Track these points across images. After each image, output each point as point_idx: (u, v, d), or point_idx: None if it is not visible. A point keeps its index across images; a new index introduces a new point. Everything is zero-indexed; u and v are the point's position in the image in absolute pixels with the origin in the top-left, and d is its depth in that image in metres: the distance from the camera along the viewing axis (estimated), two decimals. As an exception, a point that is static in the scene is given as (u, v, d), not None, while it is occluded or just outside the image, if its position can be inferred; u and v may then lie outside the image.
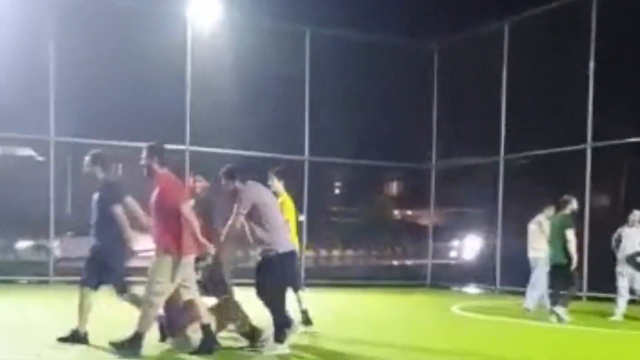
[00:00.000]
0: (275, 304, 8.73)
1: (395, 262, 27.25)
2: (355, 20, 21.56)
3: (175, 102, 20.26)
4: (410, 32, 22.38)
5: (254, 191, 8.85)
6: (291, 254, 8.98)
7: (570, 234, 13.11)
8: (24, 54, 18.14)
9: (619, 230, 14.25)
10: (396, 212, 26.75)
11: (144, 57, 19.19)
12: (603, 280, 17.11)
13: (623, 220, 14.50)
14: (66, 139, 19.84)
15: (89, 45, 18.81)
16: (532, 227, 15.15)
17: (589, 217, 19.20)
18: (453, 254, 26.12)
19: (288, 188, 11.12)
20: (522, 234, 21.85)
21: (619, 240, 14.09)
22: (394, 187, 26.19)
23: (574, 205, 13.71)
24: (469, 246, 25.02)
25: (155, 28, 19.49)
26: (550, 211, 14.68)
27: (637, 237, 13.96)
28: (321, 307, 14.46)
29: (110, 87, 19.12)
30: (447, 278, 23.49)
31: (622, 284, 13.93)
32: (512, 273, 21.04)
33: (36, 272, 19.95)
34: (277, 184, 10.77)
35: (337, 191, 26.62)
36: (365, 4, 21.97)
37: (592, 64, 18.92)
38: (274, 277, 8.71)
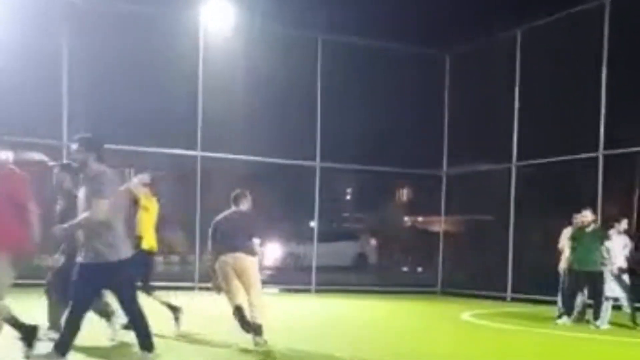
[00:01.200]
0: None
1: (405, 269, 27.21)
2: (367, 27, 21.59)
3: (188, 107, 20.33)
4: (423, 39, 22.39)
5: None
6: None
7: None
8: (37, 57, 18.16)
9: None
10: (406, 218, 26.72)
11: (157, 62, 19.30)
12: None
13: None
14: (78, 144, 19.84)
15: (102, 50, 18.89)
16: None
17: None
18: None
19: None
20: (535, 242, 22.01)
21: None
22: (405, 194, 26.16)
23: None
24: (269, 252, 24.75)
25: (168, 33, 19.57)
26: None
27: (620, 245, 14.17)
28: (321, 313, 14.60)
29: (123, 92, 19.15)
30: (458, 285, 23.42)
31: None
32: (525, 281, 21.11)
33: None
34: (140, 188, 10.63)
35: (348, 197, 26.61)
36: (377, 12, 22.01)
37: (604, 71, 18.88)
38: None
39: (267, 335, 9.60)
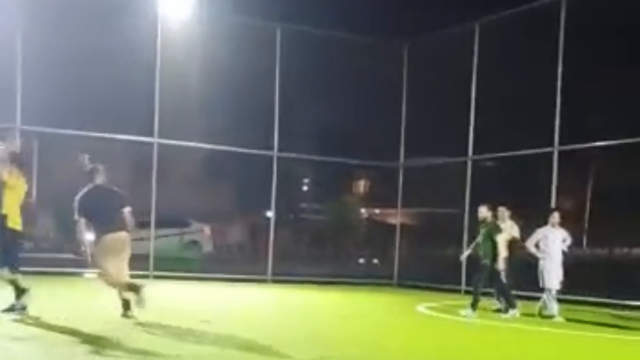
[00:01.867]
0: None
1: (362, 261, 27.26)
2: (326, 17, 21.61)
3: (145, 95, 20.18)
4: (381, 30, 22.48)
5: None
6: None
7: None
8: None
9: (540, 230, 14.59)
10: (363, 210, 26.77)
11: (115, 49, 19.13)
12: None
13: (590, 222, 14.80)
14: (32, 128, 19.60)
15: (57, 36, 18.64)
16: None
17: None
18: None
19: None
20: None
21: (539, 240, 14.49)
22: (362, 185, 26.21)
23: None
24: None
25: (126, 20, 19.44)
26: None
27: (559, 237, 14.44)
28: (279, 303, 14.59)
29: (81, 79, 19.09)
30: (414, 277, 23.51)
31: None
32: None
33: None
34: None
35: (305, 188, 26.59)
36: (336, 2, 22.00)
37: (560, 67, 19.06)
38: None
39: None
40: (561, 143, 19.18)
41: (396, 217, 24.72)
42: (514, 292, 14.72)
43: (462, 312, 13.97)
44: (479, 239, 14.22)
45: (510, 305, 14.16)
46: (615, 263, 20.51)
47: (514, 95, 19.86)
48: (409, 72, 23.53)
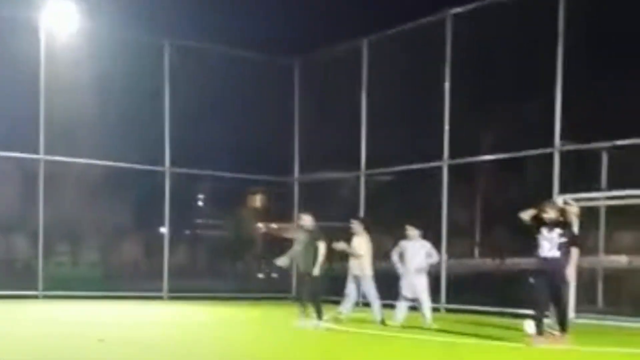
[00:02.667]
0: None
1: (261, 275, 27.13)
2: (218, 34, 21.55)
3: (30, 110, 19.68)
4: (272, 47, 22.49)
5: None
6: None
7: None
8: None
9: (402, 243, 15.10)
10: (261, 225, 26.71)
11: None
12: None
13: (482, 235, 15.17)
14: None
15: None
16: None
17: (447, 233, 19.72)
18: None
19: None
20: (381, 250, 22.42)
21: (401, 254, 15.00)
22: (258, 200, 26.14)
23: None
24: None
25: (8, 33, 19.00)
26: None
27: (422, 249, 15.02)
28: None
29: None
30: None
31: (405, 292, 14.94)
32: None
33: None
34: None
35: (200, 203, 26.37)
36: (227, 19, 22.01)
37: (447, 84, 19.45)
38: None
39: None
40: (451, 157, 19.59)
41: (293, 232, 24.69)
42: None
43: (305, 322, 13.93)
44: (299, 246, 14.38)
45: (318, 314, 14.03)
46: (504, 273, 20.94)
47: (404, 110, 20.19)
48: (301, 88, 23.69)
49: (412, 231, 15.06)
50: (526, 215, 11.60)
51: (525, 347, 11.24)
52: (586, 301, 17.54)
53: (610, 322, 16.32)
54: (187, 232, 26.11)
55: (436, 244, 19.74)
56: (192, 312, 18.08)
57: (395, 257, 15.07)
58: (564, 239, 11.29)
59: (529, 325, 13.28)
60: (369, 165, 21.77)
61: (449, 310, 19.31)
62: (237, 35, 21.67)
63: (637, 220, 16.95)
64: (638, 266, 17.86)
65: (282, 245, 25.84)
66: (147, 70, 21.05)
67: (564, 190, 17.24)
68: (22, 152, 20.10)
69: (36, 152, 19.99)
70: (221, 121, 21.83)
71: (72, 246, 23.19)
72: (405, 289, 14.90)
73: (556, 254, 11.31)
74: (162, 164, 21.76)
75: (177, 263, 24.12)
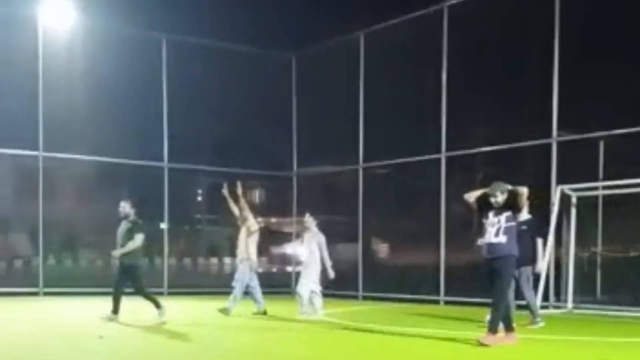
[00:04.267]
0: None
1: (260, 270, 27.11)
2: (215, 29, 21.53)
3: (28, 107, 19.73)
4: (269, 41, 22.53)
5: None
6: None
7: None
8: None
9: (306, 237, 14.94)
10: (260, 219, 26.71)
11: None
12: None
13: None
14: None
15: None
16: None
17: (445, 224, 19.78)
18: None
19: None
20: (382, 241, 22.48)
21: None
22: (257, 195, 26.12)
23: None
24: None
25: (5, 30, 19.03)
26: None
27: (315, 240, 14.83)
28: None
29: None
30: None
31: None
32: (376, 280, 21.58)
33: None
34: None
35: (199, 199, 26.38)
36: (223, 14, 21.98)
37: (444, 75, 19.50)
38: None
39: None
40: (448, 149, 19.64)
41: (292, 226, 24.81)
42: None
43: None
44: (123, 235, 13.50)
45: (157, 306, 13.34)
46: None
47: (401, 102, 20.22)
48: (298, 82, 23.78)
49: (311, 221, 14.90)
50: (471, 197, 10.74)
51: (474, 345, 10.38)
52: (585, 291, 17.62)
53: (609, 312, 16.43)
54: (187, 227, 26.12)
55: (435, 236, 19.99)
56: (193, 307, 18.08)
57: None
58: (511, 223, 10.38)
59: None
60: (366, 158, 21.82)
61: (447, 303, 19.37)
62: (235, 30, 21.67)
63: (635, 209, 16.99)
64: (636, 256, 17.90)
65: (281, 239, 26.08)
66: (144, 66, 21.10)
67: (562, 180, 17.34)
68: (20, 148, 20.11)
69: (35, 148, 20.04)
70: (219, 116, 21.88)
71: (72, 242, 23.16)
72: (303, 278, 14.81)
73: (502, 239, 10.34)
74: (161, 159, 21.83)
75: (176, 258, 24.17)
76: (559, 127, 17.54)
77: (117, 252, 13.19)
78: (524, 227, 13.10)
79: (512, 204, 10.45)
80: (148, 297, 13.41)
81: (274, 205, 25.74)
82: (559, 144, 17.56)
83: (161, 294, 21.22)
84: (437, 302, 19.69)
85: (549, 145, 17.66)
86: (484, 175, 21.06)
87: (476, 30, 18.46)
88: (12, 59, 19.18)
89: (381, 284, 21.34)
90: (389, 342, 11.33)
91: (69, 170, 21.33)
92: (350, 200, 22.19)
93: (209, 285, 22.69)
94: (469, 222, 21.63)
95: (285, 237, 25.32)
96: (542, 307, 16.54)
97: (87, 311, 15.38)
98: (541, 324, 13.35)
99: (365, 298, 21.58)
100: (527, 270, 13.32)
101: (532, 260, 13.45)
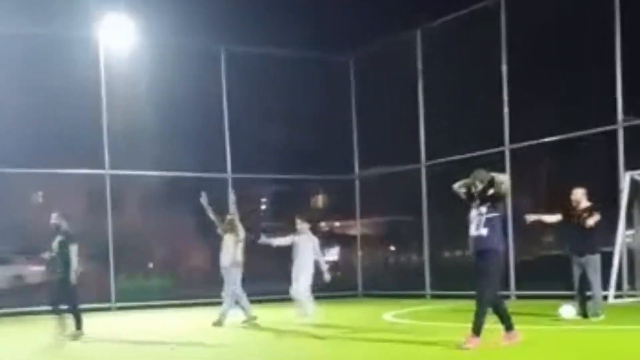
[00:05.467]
0: None
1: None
2: (271, 36, 21.59)
3: (93, 126, 20.09)
4: (326, 46, 22.52)
5: None
6: None
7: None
8: None
9: (290, 238, 14.42)
10: (323, 224, 26.78)
11: (59, 83, 19.12)
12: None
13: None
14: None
15: (1, 77, 18.59)
16: None
17: (512, 218, 19.58)
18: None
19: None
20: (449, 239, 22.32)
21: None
22: (320, 200, 26.22)
23: None
24: None
25: (68, 53, 19.44)
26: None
27: (309, 244, 14.24)
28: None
29: (27, 116, 18.97)
30: (378, 286, 23.57)
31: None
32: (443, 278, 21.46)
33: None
34: None
35: (263, 207, 26.53)
36: (279, 21, 22.04)
37: (504, 67, 19.33)
38: None
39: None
40: (511, 141, 19.45)
41: (356, 228, 24.82)
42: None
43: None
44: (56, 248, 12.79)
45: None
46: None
47: (461, 97, 20.08)
48: (357, 84, 23.81)
49: (301, 225, 14.38)
50: (458, 186, 9.99)
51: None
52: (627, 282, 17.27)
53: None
54: (252, 236, 26.23)
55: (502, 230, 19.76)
56: (268, 314, 18.10)
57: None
58: (493, 214, 9.57)
59: (566, 309, 13.11)
60: (428, 157, 21.72)
61: (519, 297, 19.17)
62: (290, 37, 21.67)
63: None
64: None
65: (345, 242, 26.09)
66: (204, 77, 21.34)
67: (630, 167, 17.05)
68: (88, 168, 20.46)
69: (101, 167, 20.40)
70: (279, 123, 21.98)
71: (141, 257, 23.48)
72: (296, 284, 14.18)
73: (482, 232, 9.56)
74: (224, 170, 22.01)
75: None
76: (625, 112, 17.27)
77: (73, 275, 12.52)
78: (585, 214, 12.96)
79: (493, 194, 9.64)
80: (73, 313, 12.71)
81: (337, 209, 25.77)
82: (625, 129, 17.27)
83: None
84: (507, 297, 19.47)
85: (615, 132, 17.38)
86: (549, 166, 20.90)
87: (534, 19, 18.28)
88: (76, 80, 19.49)
89: (448, 282, 21.18)
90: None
91: (134, 187, 21.63)
92: (413, 200, 22.08)
93: (275, 293, 22.72)
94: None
95: (350, 240, 25.31)
96: (616, 297, 16.33)
97: (159, 324, 15.60)
98: (602, 317, 12.89)
99: (433, 297, 21.45)
100: (593, 259, 12.97)
101: (597, 249, 13.09)
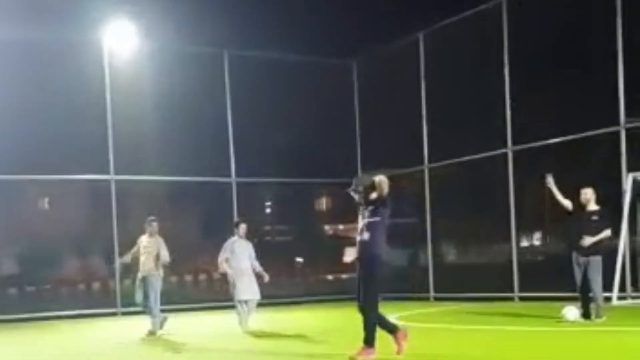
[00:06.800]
0: None
1: (330, 277, 27.21)
2: (273, 40, 21.68)
3: (98, 131, 20.15)
4: (329, 49, 22.57)
5: None
6: None
7: None
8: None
9: (228, 244, 14.25)
10: (327, 227, 26.82)
11: (64, 88, 19.22)
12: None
13: (550, 220, 14.80)
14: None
15: (4, 82, 18.63)
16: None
17: (515, 220, 19.64)
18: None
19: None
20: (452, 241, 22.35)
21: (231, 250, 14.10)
22: (324, 203, 26.26)
23: None
24: None
25: (72, 58, 19.52)
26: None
27: (247, 249, 14.23)
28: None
29: (31, 121, 19.01)
30: (383, 288, 23.53)
31: None
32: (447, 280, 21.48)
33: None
34: None
35: (268, 210, 26.58)
36: (281, 25, 22.11)
37: (507, 69, 19.37)
38: None
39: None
40: (514, 143, 19.50)
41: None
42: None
43: None
44: None
45: None
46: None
47: (464, 100, 20.13)
48: (360, 88, 23.89)
49: (243, 229, 14.28)
50: (349, 190, 9.67)
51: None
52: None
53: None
54: (256, 239, 26.31)
55: (505, 233, 19.83)
56: (275, 319, 18.16)
57: (224, 260, 14.05)
58: (375, 219, 9.26)
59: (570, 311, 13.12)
60: (432, 159, 21.78)
61: (522, 299, 19.19)
62: (294, 41, 21.78)
63: None
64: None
65: (349, 246, 26.07)
66: (208, 82, 21.40)
67: (632, 168, 17.08)
68: (93, 173, 20.53)
69: (106, 172, 20.45)
70: (283, 127, 22.05)
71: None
72: (241, 292, 13.96)
73: (365, 236, 9.29)
74: (228, 174, 22.09)
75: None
76: (627, 114, 17.30)
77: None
78: (595, 217, 13.02)
79: (378, 197, 9.31)
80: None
81: (341, 212, 25.80)
82: (628, 130, 17.31)
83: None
84: (511, 299, 19.51)
85: (617, 133, 17.42)
86: (552, 168, 20.94)
87: (536, 21, 18.34)
88: (80, 86, 19.60)
89: (452, 285, 21.21)
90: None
91: (140, 192, 21.68)
92: (417, 202, 22.13)
93: (282, 296, 22.79)
94: (539, 218, 21.55)
95: (354, 244, 25.30)
96: (620, 298, 16.35)
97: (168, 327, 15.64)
98: (604, 318, 12.89)
99: (437, 299, 21.48)
100: (595, 260, 12.99)
101: (600, 250, 13.15)
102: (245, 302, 13.97)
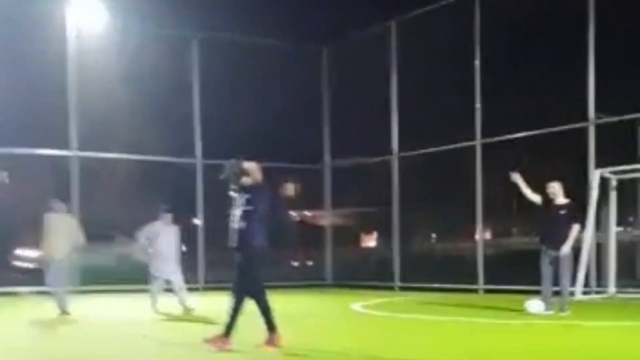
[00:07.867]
0: None
1: (295, 263, 27.16)
2: (244, 24, 21.49)
3: (60, 106, 19.74)
4: (299, 34, 22.40)
5: None
6: None
7: None
8: None
9: (150, 227, 14.49)
10: (294, 213, 26.70)
11: (24, 60, 18.76)
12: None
13: (517, 215, 14.77)
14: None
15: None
16: None
17: (482, 213, 19.64)
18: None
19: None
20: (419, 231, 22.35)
21: (151, 238, 14.33)
22: (290, 188, 26.12)
23: None
24: None
25: (35, 30, 19.00)
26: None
27: (173, 236, 14.53)
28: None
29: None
30: (347, 277, 23.55)
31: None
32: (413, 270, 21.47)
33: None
34: None
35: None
36: (252, 8, 21.93)
37: (477, 62, 19.32)
38: None
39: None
40: (483, 136, 19.45)
41: (327, 218, 24.74)
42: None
43: None
44: None
45: None
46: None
47: (434, 91, 20.05)
48: (330, 74, 23.73)
49: (169, 218, 14.51)
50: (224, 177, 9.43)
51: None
52: (627, 275, 17.38)
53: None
54: (221, 223, 26.11)
55: (472, 225, 19.84)
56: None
57: (144, 238, 14.34)
58: (249, 207, 8.97)
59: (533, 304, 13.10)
60: (401, 148, 21.69)
61: (487, 292, 19.20)
62: (265, 25, 21.60)
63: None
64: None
65: (316, 232, 26.02)
66: (175, 63, 21.16)
67: (600, 164, 17.10)
68: (54, 148, 20.17)
69: (68, 148, 20.08)
70: (251, 111, 21.80)
71: (108, 241, 23.19)
72: (161, 270, 14.30)
73: (242, 225, 8.94)
74: (194, 156, 21.85)
75: (211, 254, 24.08)
76: (596, 110, 17.31)
77: None
78: (562, 211, 12.99)
79: (254, 183, 9.14)
80: None
81: (308, 198, 25.70)
82: (597, 126, 17.32)
83: (197, 289, 21.28)
84: (475, 291, 19.51)
85: (586, 129, 17.43)
86: (520, 161, 20.96)
87: (508, 14, 18.26)
88: (43, 59, 19.17)
89: (418, 275, 21.19)
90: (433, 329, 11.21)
91: (103, 169, 21.39)
92: (385, 191, 22.06)
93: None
94: (505, 210, 21.58)
95: (320, 231, 25.24)
96: (585, 293, 16.43)
97: (128, 309, 15.45)
98: (568, 312, 12.87)
99: (402, 289, 21.44)
100: (567, 255, 12.98)
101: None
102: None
